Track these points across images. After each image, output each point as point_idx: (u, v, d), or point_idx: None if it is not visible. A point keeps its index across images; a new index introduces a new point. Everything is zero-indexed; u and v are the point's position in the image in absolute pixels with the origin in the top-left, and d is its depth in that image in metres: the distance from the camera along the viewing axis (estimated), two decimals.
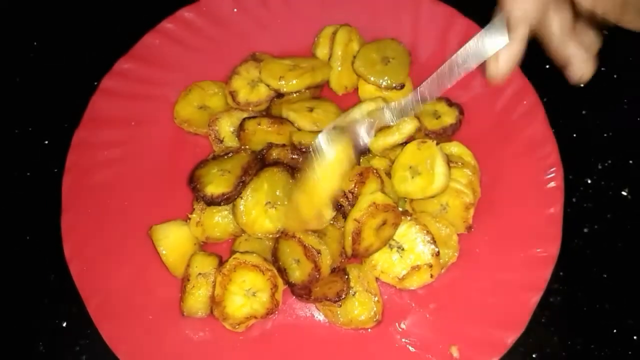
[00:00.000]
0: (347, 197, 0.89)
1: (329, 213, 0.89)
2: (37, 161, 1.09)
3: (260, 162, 0.93)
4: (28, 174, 1.08)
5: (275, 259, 0.90)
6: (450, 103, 1.03)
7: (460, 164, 0.95)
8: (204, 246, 0.97)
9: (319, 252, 0.87)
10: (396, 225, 0.90)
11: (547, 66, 1.15)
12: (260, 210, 0.91)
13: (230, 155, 0.95)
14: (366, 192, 0.89)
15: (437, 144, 0.93)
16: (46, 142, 1.11)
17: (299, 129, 0.97)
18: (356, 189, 0.89)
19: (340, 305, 0.89)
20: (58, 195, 0.97)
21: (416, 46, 1.09)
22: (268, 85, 1.01)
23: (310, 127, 0.96)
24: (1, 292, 0.99)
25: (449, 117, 1.01)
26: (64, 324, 0.96)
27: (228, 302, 0.88)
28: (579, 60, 0.72)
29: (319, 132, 0.95)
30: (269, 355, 0.89)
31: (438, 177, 0.90)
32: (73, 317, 0.96)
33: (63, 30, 1.22)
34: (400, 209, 0.94)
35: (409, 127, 0.95)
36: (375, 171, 0.92)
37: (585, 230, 1.01)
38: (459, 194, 0.93)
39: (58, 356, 0.94)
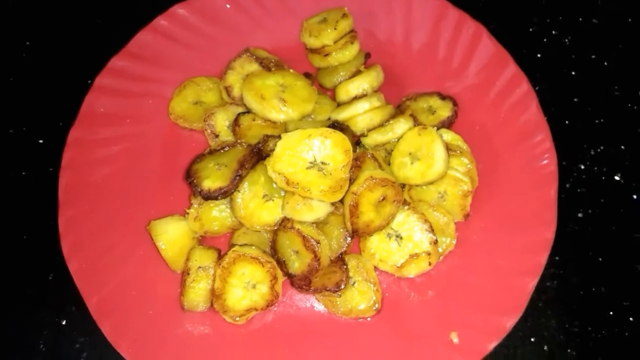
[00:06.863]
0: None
1: None
2: (32, 160, 1.08)
3: (256, 155, 0.93)
4: (23, 173, 1.08)
5: (274, 250, 0.91)
6: (442, 96, 1.03)
7: (458, 152, 0.95)
8: (203, 240, 0.97)
9: (318, 242, 0.87)
10: (398, 203, 0.90)
11: (539, 55, 1.17)
12: (257, 203, 0.91)
13: (226, 149, 0.95)
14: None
15: (437, 129, 0.94)
16: (41, 141, 1.10)
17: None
18: (353, 173, 0.89)
19: (340, 295, 0.90)
20: (54, 194, 0.97)
21: (408, 37, 1.11)
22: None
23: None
24: (1, 292, 0.99)
25: (444, 110, 1.02)
26: (64, 322, 0.96)
27: (228, 294, 0.88)
28: None
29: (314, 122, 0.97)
30: (270, 347, 0.90)
31: (437, 162, 0.90)
32: (73, 315, 0.96)
33: (56, 30, 1.22)
34: None
35: (403, 127, 0.96)
36: (371, 155, 0.93)
37: (580, 215, 1.02)
38: (458, 182, 0.94)
39: (59, 354, 0.94)
